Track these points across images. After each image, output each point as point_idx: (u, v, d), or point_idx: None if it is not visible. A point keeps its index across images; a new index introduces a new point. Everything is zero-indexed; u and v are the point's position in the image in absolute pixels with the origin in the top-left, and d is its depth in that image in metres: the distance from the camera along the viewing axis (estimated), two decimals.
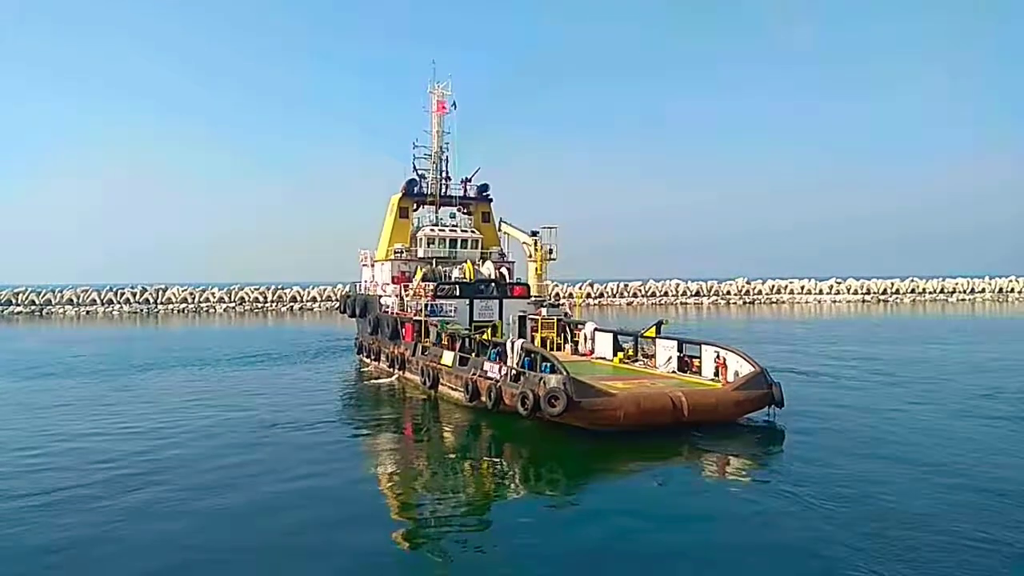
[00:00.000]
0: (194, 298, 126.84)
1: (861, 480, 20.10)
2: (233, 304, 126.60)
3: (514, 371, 29.03)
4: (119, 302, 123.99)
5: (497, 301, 42.00)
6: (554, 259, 44.67)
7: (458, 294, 41.13)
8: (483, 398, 29.92)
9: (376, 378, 41.43)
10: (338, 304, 58.82)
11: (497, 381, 29.26)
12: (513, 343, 30.66)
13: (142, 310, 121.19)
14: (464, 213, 50.52)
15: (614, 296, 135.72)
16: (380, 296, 46.66)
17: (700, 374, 31.63)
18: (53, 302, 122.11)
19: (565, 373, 26.42)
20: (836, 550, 15.00)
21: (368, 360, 46.66)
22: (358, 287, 53.82)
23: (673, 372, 33.00)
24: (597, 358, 37.68)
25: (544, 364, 28.25)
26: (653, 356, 35.25)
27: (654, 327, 36.46)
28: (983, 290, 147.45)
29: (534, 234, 45.82)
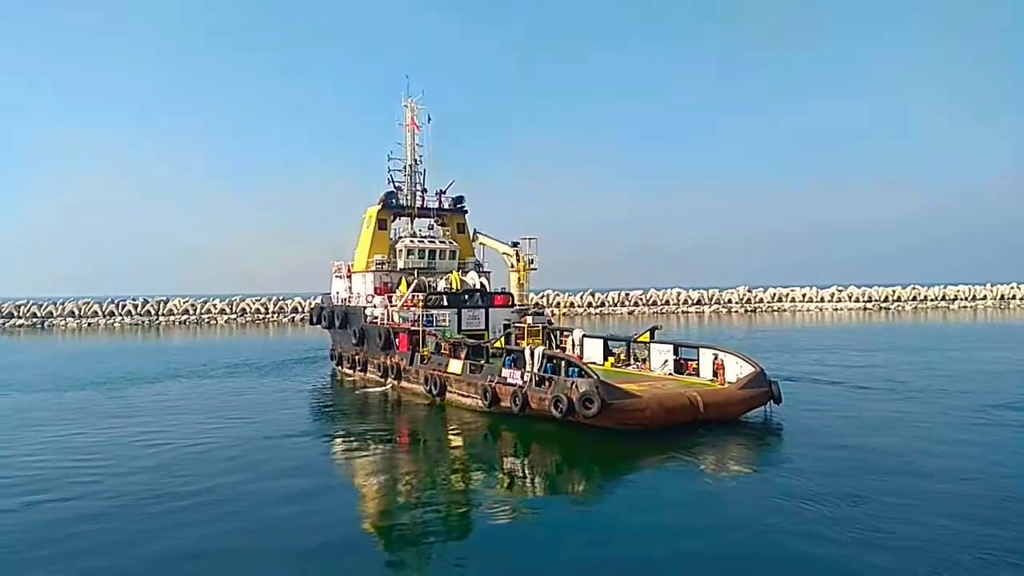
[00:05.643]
0: (195, 310, 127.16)
1: (852, 467, 21.71)
2: (234, 315, 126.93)
3: (538, 376, 29.61)
4: (120, 314, 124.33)
5: (483, 310, 42.69)
6: (535, 269, 45.04)
7: (446, 304, 41.67)
8: (504, 403, 30.50)
9: (365, 387, 41.30)
10: (309, 316, 58.58)
11: (521, 387, 29.80)
12: (533, 350, 31.17)
13: (143, 322, 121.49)
14: (439, 224, 50.81)
15: (615, 305, 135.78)
16: (365, 307, 46.43)
17: (697, 375, 32.26)
18: (55, 314, 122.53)
19: (595, 377, 27.45)
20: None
21: (352, 371, 46.34)
22: (330, 299, 53.36)
23: (669, 374, 33.34)
24: (587, 363, 37.75)
25: (570, 368, 28.86)
26: (646, 360, 35.64)
27: (648, 332, 37.09)
28: (984, 297, 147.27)
29: (515, 245, 46.28)
